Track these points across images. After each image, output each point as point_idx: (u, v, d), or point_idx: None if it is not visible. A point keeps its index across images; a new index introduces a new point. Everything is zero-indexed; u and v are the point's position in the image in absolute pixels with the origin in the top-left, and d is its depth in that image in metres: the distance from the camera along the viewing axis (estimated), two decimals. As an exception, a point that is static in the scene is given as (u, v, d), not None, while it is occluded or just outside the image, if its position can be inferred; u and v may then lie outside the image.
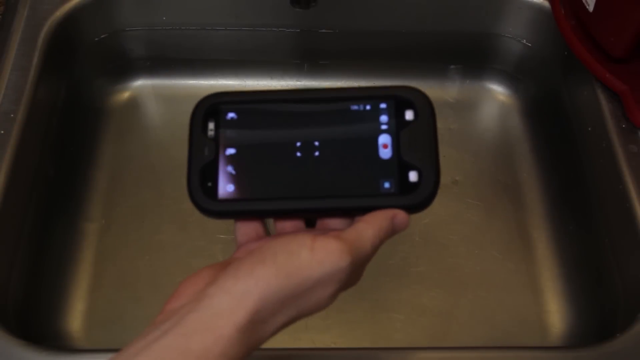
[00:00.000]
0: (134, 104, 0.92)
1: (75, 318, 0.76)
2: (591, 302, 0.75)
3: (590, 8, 0.72)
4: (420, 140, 0.46)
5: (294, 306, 0.43)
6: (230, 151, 0.47)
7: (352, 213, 0.47)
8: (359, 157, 0.46)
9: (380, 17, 0.89)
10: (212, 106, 0.48)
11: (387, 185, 0.45)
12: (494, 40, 0.91)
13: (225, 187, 0.47)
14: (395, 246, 0.80)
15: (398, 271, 0.79)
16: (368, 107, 0.47)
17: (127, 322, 0.75)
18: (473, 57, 0.93)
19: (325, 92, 0.49)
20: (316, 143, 0.46)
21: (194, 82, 0.92)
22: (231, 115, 0.48)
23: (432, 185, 0.46)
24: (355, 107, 0.47)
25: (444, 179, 0.84)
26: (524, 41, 0.89)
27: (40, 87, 0.76)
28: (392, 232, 0.46)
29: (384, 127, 0.46)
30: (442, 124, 0.91)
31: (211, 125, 0.48)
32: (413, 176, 0.46)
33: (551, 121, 0.87)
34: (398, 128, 0.46)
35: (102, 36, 0.87)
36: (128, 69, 0.92)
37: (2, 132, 0.71)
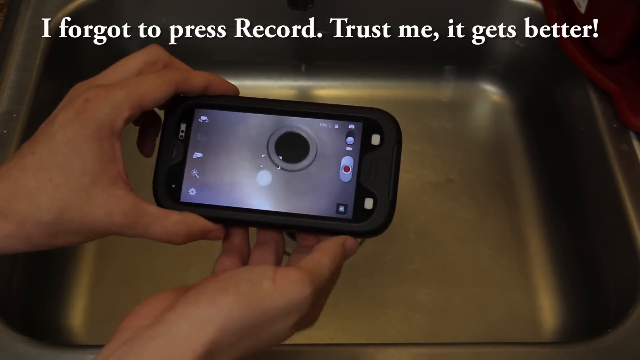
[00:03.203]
0: (133, 104, 0.92)
1: (77, 314, 0.76)
2: (583, 298, 0.75)
3: (582, 9, 0.72)
4: (382, 168, 0.45)
5: (253, 337, 0.42)
6: (197, 155, 0.47)
7: (305, 231, 0.47)
8: (320, 176, 0.46)
9: (376, 18, 0.90)
10: (185, 107, 0.48)
11: (342, 209, 0.45)
12: (487, 41, 0.91)
13: (188, 191, 0.47)
14: (391, 244, 0.81)
15: (393, 268, 0.79)
16: (336, 126, 0.46)
17: (127, 318, 0.76)
18: (467, 58, 0.93)
19: (297, 106, 0.48)
20: (280, 157, 0.46)
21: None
22: (203, 118, 0.48)
23: (386, 215, 0.46)
24: (324, 125, 0.46)
25: (440, 177, 0.86)
26: (517, 42, 0.90)
27: (42, 88, 0.76)
28: (344, 257, 0.47)
29: (348, 148, 0.46)
30: (437, 124, 0.91)
31: (183, 127, 0.48)
32: (368, 203, 0.45)
33: (544, 121, 0.87)
34: (362, 152, 0.46)
35: (103, 37, 0.88)
36: (128, 69, 0.92)
37: (5, 131, 0.72)
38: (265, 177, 0.47)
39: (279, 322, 0.42)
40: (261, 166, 0.46)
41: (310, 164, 0.46)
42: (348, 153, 0.46)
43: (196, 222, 0.46)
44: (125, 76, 0.45)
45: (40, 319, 0.72)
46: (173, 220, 0.46)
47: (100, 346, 0.63)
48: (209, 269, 0.78)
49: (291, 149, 0.46)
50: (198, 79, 0.47)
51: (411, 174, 0.86)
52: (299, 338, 0.74)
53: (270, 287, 0.41)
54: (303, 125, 0.47)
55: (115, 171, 0.44)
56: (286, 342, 0.73)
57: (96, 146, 0.42)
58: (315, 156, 0.46)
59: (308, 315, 0.45)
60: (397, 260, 0.80)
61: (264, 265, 0.43)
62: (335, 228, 0.45)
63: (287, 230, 0.48)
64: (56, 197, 0.42)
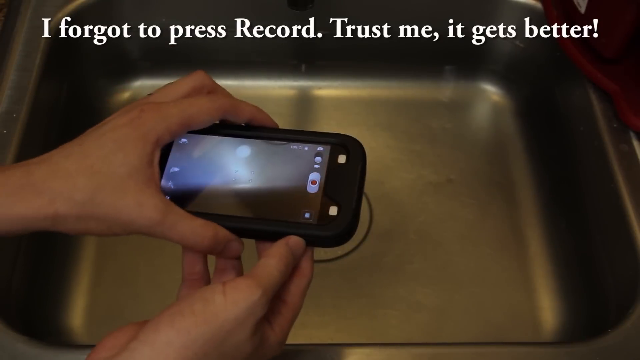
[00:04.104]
0: (134, 104, 0.92)
1: (77, 314, 0.76)
2: (583, 298, 0.75)
3: (582, 9, 0.72)
4: (348, 182, 0.49)
5: (216, 353, 0.43)
6: (174, 169, 0.50)
7: (273, 236, 0.49)
8: (289, 188, 0.49)
9: (375, 18, 0.90)
10: None
11: (307, 215, 0.48)
12: (487, 41, 0.91)
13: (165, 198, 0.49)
14: (391, 244, 0.81)
15: (393, 268, 0.79)
16: (306, 148, 0.51)
17: (127, 318, 0.75)
18: (467, 58, 0.94)
19: (272, 132, 0.52)
20: (252, 172, 0.50)
21: (193, 82, 0.92)
22: (183, 140, 0.51)
23: (349, 221, 0.48)
24: (295, 147, 0.51)
25: (440, 177, 0.86)
26: (517, 42, 0.90)
27: (42, 88, 0.76)
28: (293, 256, 0.48)
29: (316, 166, 0.50)
30: (437, 124, 0.92)
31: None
32: (333, 211, 0.48)
33: (544, 121, 0.88)
34: (329, 168, 0.50)
35: (103, 37, 0.88)
36: (128, 69, 0.93)
37: (5, 131, 0.72)
38: (237, 188, 0.50)
39: (237, 332, 0.43)
40: (234, 178, 0.50)
41: (280, 178, 0.50)
42: (316, 170, 0.50)
43: (222, 228, 0.48)
44: (175, 97, 0.49)
45: (40, 319, 0.72)
46: (200, 222, 0.47)
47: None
48: (209, 269, 0.79)
49: (263, 165, 0.51)
50: (245, 111, 0.50)
51: (411, 174, 0.86)
52: (299, 338, 0.74)
53: (221, 300, 0.43)
54: (276, 146, 0.51)
55: (150, 173, 0.46)
56: (286, 341, 0.74)
57: (140, 147, 0.45)
58: (286, 172, 0.50)
59: (265, 340, 0.46)
60: (397, 260, 0.80)
61: (215, 284, 0.44)
62: (301, 232, 0.48)
63: (257, 237, 0.50)
64: (93, 179, 0.44)
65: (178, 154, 0.51)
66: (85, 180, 0.44)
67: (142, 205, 0.45)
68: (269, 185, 0.50)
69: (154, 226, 0.45)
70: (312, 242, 0.49)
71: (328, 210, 0.48)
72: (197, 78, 0.51)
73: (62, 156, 0.45)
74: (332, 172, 0.50)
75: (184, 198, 0.49)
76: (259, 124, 0.52)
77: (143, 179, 0.45)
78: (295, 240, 0.48)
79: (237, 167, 0.50)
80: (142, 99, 0.50)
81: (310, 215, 0.48)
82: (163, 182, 0.50)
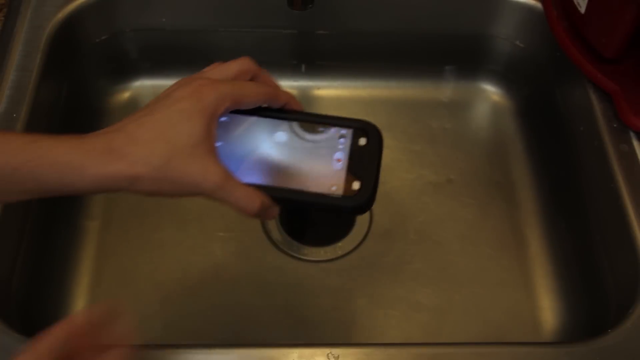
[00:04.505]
0: (134, 104, 0.92)
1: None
2: (583, 298, 0.75)
3: (582, 9, 0.72)
4: (367, 161, 0.56)
5: None
6: (218, 143, 0.54)
7: (304, 204, 0.57)
8: (318, 165, 0.56)
9: (376, 18, 0.90)
10: None
11: (334, 188, 0.55)
12: (487, 41, 0.91)
13: None
14: (391, 244, 0.81)
15: (393, 268, 0.79)
16: (332, 131, 0.57)
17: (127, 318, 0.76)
18: (467, 58, 0.94)
19: (303, 115, 0.59)
20: (285, 149, 0.57)
21: (193, 82, 0.93)
22: (224, 118, 0.56)
23: (369, 194, 0.55)
24: (321, 129, 0.57)
25: (440, 177, 0.86)
26: (517, 42, 0.90)
27: (42, 88, 0.77)
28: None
29: (340, 146, 0.56)
30: (437, 124, 0.92)
31: None
32: (355, 185, 0.55)
33: (544, 121, 0.88)
34: (352, 149, 0.56)
35: (103, 37, 0.88)
36: (128, 69, 0.93)
37: (5, 131, 0.72)
38: (273, 161, 0.56)
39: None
40: (269, 154, 0.56)
41: (310, 156, 0.56)
42: (340, 150, 0.56)
43: (264, 195, 0.54)
44: (226, 76, 0.56)
45: (40, 319, 0.72)
46: (252, 189, 0.53)
47: (100, 346, 0.64)
48: (208, 269, 0.79)
49: (294, 143, 0.57)
50: (282, 98, 0.57)
51: (411, 174, 0.86)
52: (299, 338, 0.75)
53: None
54: (304, 125, 0.58)
55: (211, 143, 0.52)
56: (286, 342, 0.74)
57: (202, 118, 0.51)
58: (315, 151, 0.56)
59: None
60: (397, 260, 0.80)
61: None
62: (328, 202, 0.55)
63: (290, 205, 0.58)
64: (167, 147, 0.50)
65: (220, 130, 0.55)
66: (161, 147, 0.50)
67: (207, 171, 0.50)
68: (300, 161, 0.56)
69: (216, 190, 0.51)
70: (338, 211, 0.56)
71: (351, 184, 0.55)
72: (243, 62, 0.57)
73: (136, 125, 0.51)
74: (354, 152, 0.56)
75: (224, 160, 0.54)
76: (292, 108, 0.58)
77: (207, 147, 0.51)
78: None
79: (272, 144, 0.57)
80: (196, 75, 0.56)
81: (337, 188, 0.55)
82: None
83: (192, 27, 0.90)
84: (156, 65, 0.93)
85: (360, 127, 0.58)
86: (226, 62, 0.57)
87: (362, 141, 0.57)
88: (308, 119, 0.58)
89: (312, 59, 0.94)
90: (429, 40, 0.92)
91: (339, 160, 0.56)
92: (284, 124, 0.58)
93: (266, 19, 0.89)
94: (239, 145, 0.56)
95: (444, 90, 0.95)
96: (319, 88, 0.95)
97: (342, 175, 0.55)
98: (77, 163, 0.49)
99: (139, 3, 0.87)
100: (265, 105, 0.57)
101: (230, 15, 0.89)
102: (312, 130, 0.58)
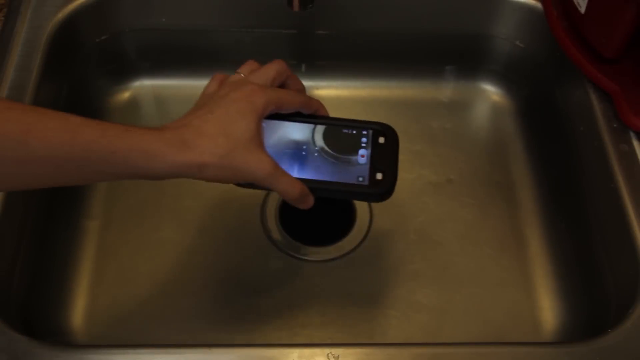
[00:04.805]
0: (134, 104, 0.93)
1: (77, 314, 0.76)
2: (583, 298, 0.75)
3: (582, 9, 0.72)
4: (387, 155, 0.67)
5: None
6: None
7: (338, 194, 0.67)
8: (346, 160, 0.66)
9: (375, 18, 0.90)
10: None
11: (361, 179, 0.65)
12: (487, 41, 0.91)
13: None
14: (391, 244, 0.81)
15: (393, 268, 0.79)
16: (354, 132, 0.67)
17: (127, 318, 0.76)
18: (467, 58, 0.94)
19: (331, 119, 0.68)
20: (317, 147, 0.66)
21: (193, 82, 0.92)
22: (263, 123, 0.64)
23: (391, 183, 0.66)
24: (346, 131, 0.67)
25: (440, 178, 0.86)
26: (517, 42, 0.90)
27: (42, 88, 0.77)
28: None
29: (363, 144, 0.67)
30: (437, 124, 0.92)
31: None
32: (379, 176, 0.65)
33: (544, 121, 0.88)
34: (373, 146, 0.67)
35: (103, 37, 0.88)
36: (128, 69, 0.93)
37: (5, 131, 0.72)
38: (306, 158, 0.66)
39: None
40: (305, 152, 0.66)
41: (339, 152, 0.66)
42: (363, 147, 0.66)
43: (303, 185, 0.63)
44: (266, 80, 0.64)
45: (40, 319, 0.72)
46: (294, 178, 0.62)
47: (100, 346, 0.64)
48: (208, 269, 0.79)
49: (325, 142, 0.67)
50: (314, 105, 0.67)
51: (411, 174, 0.86)
52: (300, 338, 0.75)
53: None
54: (334, 130, 0.68)
55: (261, 138, 0.61)
56: (286, 342, 0.74)
57: (255, 117, 0.60)
58: (343, 148, 0.66)
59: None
60: (397, 260, 0.80)
61: None
62: (357, 191, 0.65)
63: (325, 195, 0.66)
64: (229, 140, 0.58)
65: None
66: (224, 140, 0.58)
67: (261, 161, 0.59)
68: (331, 157, 0.66)
69: (267, 177, 0.60)
70: (366, 197, 0.71)
71: (375, 175, 0.65)
72: (280, 66, 0.66)
73: (201, 121, 0.59)
74: (375, 149, 0.66)
75: None
76: (319, 114, 0.67)
77: (259, 142, 0.60)
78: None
79: (306, 143, 0.66)
80: (239, 78, 0.65)
81: (364, 179, 0.65)
82: None
83: (192, 27, 0.90)
84: (156, 65, 0.93)
85: (378, 129, 0.68)
86: (264, 66, 0.66)
87: (381, 140, 0.67)
88: (334, 122, 0.68)
89: (312, 59, 0.94)
90: (429, 40, 0.92)
91: (362, 156, 0.66)
92: (315, 127, 0.67)
93: (266, 19, 0.89)
94: (279, 145, 0.65)
95: (444, 90, 0.95)
96: (319, 88, 0.95)
97: (367, 168, 0.65)
98: (160, 151, 0.56)
99: (138, 3, 0.87)
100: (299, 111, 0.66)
101: (230, 15, 0.89)
102: (339, 132, 0.67)
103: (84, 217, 0.82)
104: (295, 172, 0.65)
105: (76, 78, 0.86)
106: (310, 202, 0.64)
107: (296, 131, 0.67)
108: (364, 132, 0.68)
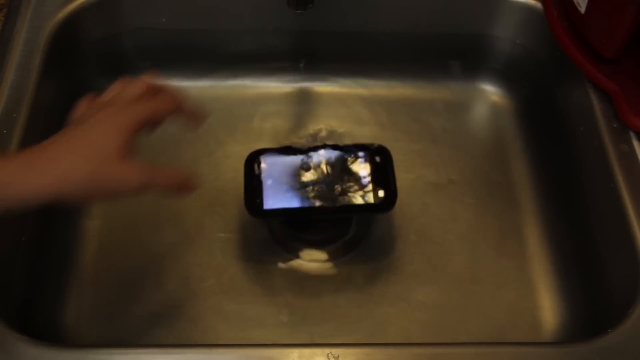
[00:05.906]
0: (133, 104, 0.92)
1: (76, 314, 0.76)
2: (583, 298, 0.75)
3: (582, 9, 0.72)
4: (385, 173, 0.77)
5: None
6: (268, 182, 0.76)
7: (348, 212, 0.78)
8: (350, 182, 0.76)
9: (375, 18, 0.90)
10: (256, 155, 0.78)
11: (366, 198, 0.75)
12: (487, 41, 0.91)
13: (267, 202, 0.75)
14: (391, 244, 0.81)
15: (394, 268, 0.79)
16: (352, 155, 0.77)
17: (127, 318, 0.76)
18: (467, 58, 0.94)
19: (331, 147, 0.78)
20: (324, 173, 0.76)
21: (193, 82, 0.92)
22: (269, 161, 0.77)
23: (392, 197, 0.75)
24: (346, 156, 0.78)
25: (440, 178, 0.86)
26: (517, 42, 0.90)
27: (42, 88, 0.77)
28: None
29: (362, 165, 0.77)
30: (437, 124, 0.92)
31: (256, 167, 0.77)
32: (381, 193, 0.75)
33: (544, 121, 0.88)
34: (372, 166, 0.77)
35: (103, 37, 0.88)
36: (128, 69, 0.91)
37: (5, 131, 0.72)
38: (317, 185, 0.76)
39: None
40: (314, 180, 0.76)
41: (343, 177, 0.76)
42: (363, 168, 0.77)
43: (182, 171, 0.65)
44: (133, 97, 0.64)
45: (40, 319, 0.72)
46: (171, 169, 0.64)
47: (100, 346, 0.64)
48: (208, 269, 0.79)
49: (330, 168, 0.77)
50: (185, 106, 0.67)
51: (411, 174, 0.86)
52: (299, 338, 0.75)
53: None
54: (336, 155, 0.78)
55: (130, 152, 0.60)
56: (285, 341, 0.74)
57: (121, 135, 0.60)
58: (346, 172, 0.77)
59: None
60: (397, 260, 0.80)
61: None
62: (366, 209, 0.76)
63: (337, 215, 0.78)
64: (98, 155, 0.59)
65: (267, 171, 0.77)
66: (92, 155, 0.58)
67: (129, 171, 0.59)
68: (337, 181, 0.76)
69: (140, 183, 0.60)
70: (373, 211, 0.78)
71: (378, 192, 0.75)
72: (145, 82, 0.66)
73: (69, 137, 0.60)
74: (374, 168, 0.77)
75: (279, 200, 0.75)
76: (188, 111, 0.67)
77: (126, 154, 0.59)
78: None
79: (314, 172, 0.77)
80: (107, 99, 0.65)
81: (368, 197, 0.75)
82: (264, 192, 0.76)
83: (192, 26, 0.90)
84: (156, 64, 0.92)
85: (374, 149, 0.78)
86: (130, 84, 0.66)
87: (378, 159, 0.77)
88: (335, 149, 0.78)
89: (312, 58, 0.94)
90: (429, 40, 0.92)
91: (364, 177, 0.76)
92: (320, 155, 0.77)
93: (266, 19, 0.89)
94: (290, 182, 0.76)
95: (444, 90, 0.95)
96: (318, 87, 0.95)
97: (370, 186, 0.76)
98: (10, 178, 0.56)
99: (138, 3, 0.87)
100: (173, 114, 0.66)
101: (230, 15, 0.89)
102: (341, 158, 0.77)
103: (84, 217, 0.82)
104: (306, 201, 0.75)
105: (76, 78, 0.86)
106: (194, 186, 0.65)
107: (304, 160, 0.77)
108: (361, 154, 0.77)
